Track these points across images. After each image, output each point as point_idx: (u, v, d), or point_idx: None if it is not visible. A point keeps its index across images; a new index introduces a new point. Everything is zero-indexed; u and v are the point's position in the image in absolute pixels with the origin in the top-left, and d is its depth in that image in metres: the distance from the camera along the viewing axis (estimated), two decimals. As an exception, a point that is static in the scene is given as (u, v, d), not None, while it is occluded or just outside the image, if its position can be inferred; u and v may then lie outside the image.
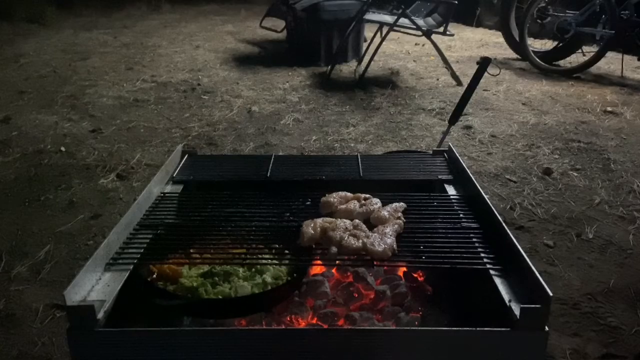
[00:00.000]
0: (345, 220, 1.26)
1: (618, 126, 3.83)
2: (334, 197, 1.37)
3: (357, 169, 1.65)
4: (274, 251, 1.27)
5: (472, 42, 6.80)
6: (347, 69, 5.35)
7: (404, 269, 1.47)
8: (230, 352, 1.01)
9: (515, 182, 2.99)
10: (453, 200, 1.46)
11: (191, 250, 1.28)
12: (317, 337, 1.04)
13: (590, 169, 3.15)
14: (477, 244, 1.22)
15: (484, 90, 4.55)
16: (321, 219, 1.26)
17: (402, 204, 1.36)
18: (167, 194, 1.53)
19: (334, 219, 1.26)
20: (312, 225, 1.23)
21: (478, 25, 7.75)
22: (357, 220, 1.27)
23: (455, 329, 1.00)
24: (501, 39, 6.05)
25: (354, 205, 1.34)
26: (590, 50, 5.24)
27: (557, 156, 3.33)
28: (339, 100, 4.37)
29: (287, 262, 1.25)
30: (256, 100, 4.37)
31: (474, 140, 3.57)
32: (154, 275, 1.20)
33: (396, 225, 1.24)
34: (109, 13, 8.14)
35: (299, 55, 5.53)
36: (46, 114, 4.00)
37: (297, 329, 1.25)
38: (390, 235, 1.20)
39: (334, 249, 1.18)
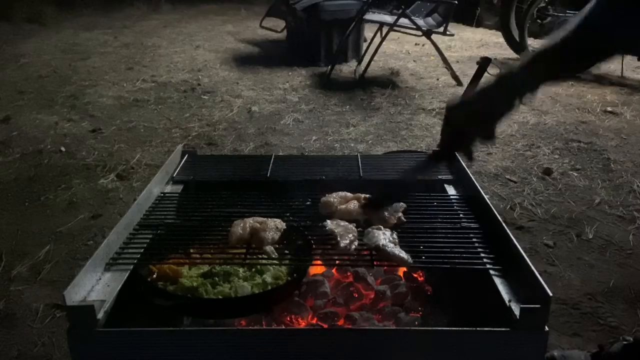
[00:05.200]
0: (275, 219, 1.27)
1: (618, 126, 3.83)
2: (334, 197, 1.37)
3: (357, 169, 1.65)
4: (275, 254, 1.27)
5: (472, 42, 6.80)
6: (347, 69, 5.35)
7: (404, 269, 1.47)
8: (231, 352, 1.01)
9: (515, 182, 2.99)
10: (453, 200, 1.46)
11: (191, 250, 1.28)
12: (317, 337, 1.04)
13: (590, 169, 3.16)
14: (477, 244, 1.22)
15: (484, 90, 4.55)
16: (252, 218, 1.26)
17: (402, 204, 1.36)
18: (167, 194, 1.53)
19: (264, 219, 1.26)
20: (241, 225, 1.23)
21: (478, 25, 7.75)
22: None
23: (455, 329, 1.00)
24: (501, 39, 6.04)
25: (353, 205, 1.34)
26: (590, 50, 5.23)
27: (557, 156, 3.34)
28: (339, 100, 4.37)
29: (287, 262, 1.25)
30: (256, 100, 4.38)
31: (474, 140, 3.57)
32: (154, 275, 1.20)
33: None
34: (109, 13, 8.14)
35: (299, 55, 5.53)
36: (46, 114, 4.00)
37: (297, 329, 1.25)
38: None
39: (270, 248, 1.20)
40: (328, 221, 1.27)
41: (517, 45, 5.59)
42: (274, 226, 1.24)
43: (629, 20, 0.98)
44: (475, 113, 1.12)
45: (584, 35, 1.02)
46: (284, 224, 1.26)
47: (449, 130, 1.17)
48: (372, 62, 4.96)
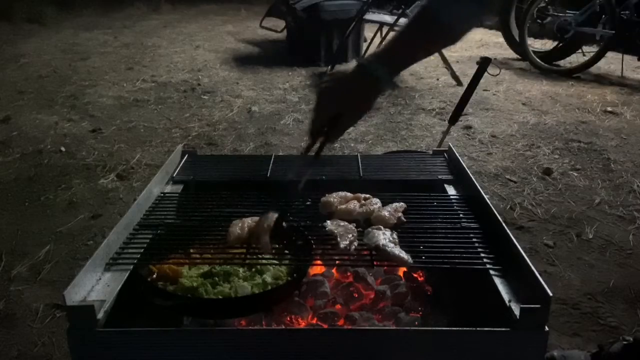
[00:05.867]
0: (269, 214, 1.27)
1: (618, 126, 3.83)
2: (334, 197, 1.37)
3: (357, 169, 1.65)
4: (274, 251, 1.27)
5: (472, 42, 6.80)
6: (347, 69, 5.34)
7: (404, 269, 1.47)
8: (230, 352, 1.01)
9: (515, 182, 2.99)
10: (453, 200, 1.46)
11: (191, 250, 1.28)
12: (317, 337, 1.04)
13: (590, 169, 3.16)
14: (477, 244, 1.22)
15: (484, 90, 4.56)
16: (250, 218, 1.26)
17: (402, 204, 1.36)
18: (167, 194, 1.53)
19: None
20: (239, 225, 1.23)
21: (478, 25, 7.76)
22: None
23: (455, 329, 1.00)
24: (501, 39, 6.05)
25: (354, 205, 1.34)
26: (590, 50, 5.24)
27: (557, 156, 3.34)
28: (339, 100, 4.37)
29: (287, 262, 1.25)
30: (256, 100, 4.38)
31: (474, 140, 3.57)
32: (154, 275, 1.20)
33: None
34: (109, 13, 8.14)
35: (299, 55, 5.53)
36: (46, 114, 4.00)
37: (297, 329, 1.25)
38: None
39: (266, 240, 1.20)
40: (328, 221, 1.27)
41: (517, 45, 5.59)
42: (268, 217, 1.24)
43: (461, 11, 1.10)
44: (343, 102, 1.20)
45: (424, 24, 1.13)
46: (277, 213, 1.26)
47: (319, 114, 1.22)
48: (372, 62, 4.95)
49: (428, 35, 1.15)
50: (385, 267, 1.42)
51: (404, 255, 1.14)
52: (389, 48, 1.17)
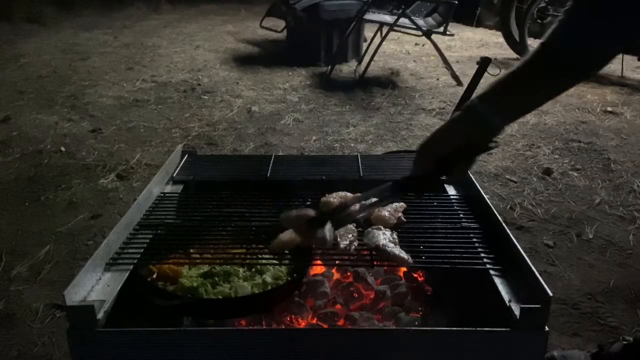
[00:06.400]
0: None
1: (618, 126, 3.83)
2: (334, 197, 1.37)
3: (357, 169, 1.65)
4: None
5: (472, 42, 6.80)
6: (347, 69, 5.35)
7: (404, 269, 1.47)
8: (231, 352, 1.01)
9: (515, 182, 2.99)
10: (453, 200, 1.46)
11: (191, 250, 1.28)
12: (317, 337, 1.04)
13: (590, 169, 3.16)
14: (477, 244, 1.22)
15: (484, 90, 4.55)
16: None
17: (402, 204, 1.36)
18: (167, 194, 1.53)
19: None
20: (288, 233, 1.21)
21: (478, 25, 7.75)
22: None
23: (455, 329, 1.00)
24: (501, 39, 6.04)
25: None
26: (590, 50, 5.23)
27: (557, 156, 3.33)
28: (339, 100, 4.37)
29: (287, 262, 1.25)
30: (256, 100, 4.37)
31: (474, 140, 3.57)
32: (154, 275, 1.20)
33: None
34: (109, 13, 8.13)
35: (299, 55, 5.53)
36: (46, 114, 4.00)
37: (297, 329, 1.25)
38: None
39: None
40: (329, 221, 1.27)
41: (517, 45, 5.59)
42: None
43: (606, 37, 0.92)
44: (445, 158, 1.03)
45: (548, 58, 0.96)
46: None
47: (422, 171, 1.07)
48: (372, 62, 4.95)
49: (551, 77, 0.97)
50: (385, 267, 1.42)
51: (404, 255, 1.14)
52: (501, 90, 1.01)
